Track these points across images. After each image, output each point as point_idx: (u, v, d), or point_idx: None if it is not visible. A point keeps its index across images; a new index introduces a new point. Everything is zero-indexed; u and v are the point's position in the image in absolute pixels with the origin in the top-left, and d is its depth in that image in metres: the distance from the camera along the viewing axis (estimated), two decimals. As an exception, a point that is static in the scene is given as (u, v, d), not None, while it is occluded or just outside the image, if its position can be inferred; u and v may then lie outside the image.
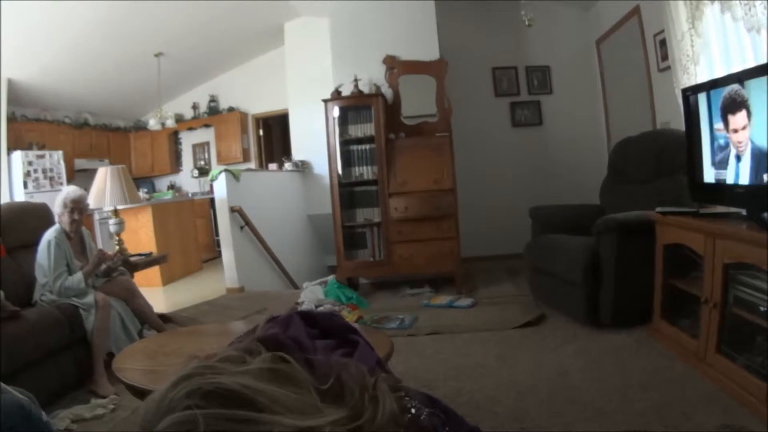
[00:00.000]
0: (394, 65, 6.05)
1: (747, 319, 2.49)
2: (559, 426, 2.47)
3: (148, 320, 4.00)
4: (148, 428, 0.64)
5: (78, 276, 3.54)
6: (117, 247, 4.80)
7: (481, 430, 1.00)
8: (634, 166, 4.48)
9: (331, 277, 5.64)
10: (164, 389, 0.68)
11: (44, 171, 7.83)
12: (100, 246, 5.33)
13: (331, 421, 0.68)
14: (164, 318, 4.36)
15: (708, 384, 2.68)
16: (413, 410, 0.84)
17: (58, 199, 3.72)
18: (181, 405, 0.64)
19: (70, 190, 3.77)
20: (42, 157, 7.86)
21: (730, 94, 2.68)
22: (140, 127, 10.54)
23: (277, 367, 0.73)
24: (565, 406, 2.66)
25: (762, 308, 2.38)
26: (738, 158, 2.68)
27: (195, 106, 10.41)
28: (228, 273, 5.94)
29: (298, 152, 8.03)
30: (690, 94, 3.14)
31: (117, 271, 4.08)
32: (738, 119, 2.65)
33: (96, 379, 3.35)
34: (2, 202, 5.57)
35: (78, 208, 3.74)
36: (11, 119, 7.76)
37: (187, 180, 10.75)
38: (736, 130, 2.68)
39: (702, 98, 3.00)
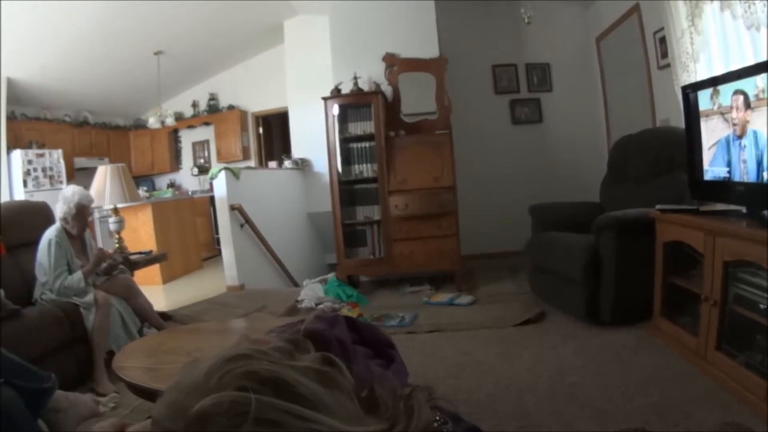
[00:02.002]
0: (393, 63, 6.04)
1: (747, 316, 2.49)
2: (559, 424, 2.47)
3: (148, 318, 4.01)
4: (187, 400, 0.61)
5: (78, 275, 3.53)
6: (117, 245, 4.79)
7: None
8: (633, 163, 4.48)
9: (331, 275, 5.64)
10: (216, 362, 0.65)
11: (44, 170, 7.83)
12: (100, 244, 5.33)
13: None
14: (164, 316, 4.36)
15: (708, 382, 2.68)
16: (435, 423, 0.84)
17: (69, 203, 3.66)
18: (234, 384, 0.61)
19: (81, 196, 3.71)
20: (42, 155, 7.87)
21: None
22: (140, 126, 10.55)
23: (324, 370, 0.70)
24: (565, 404, 2.66)
25: (762, 306, 2.38)
26: (737, 138, 2.66)
27: (195, 104, 10.41)
28: (228, 271, 5.94)
29: (297, 150, 8.03)
30: (690, 91, 3.13)
31: (117, 270, 4.09)
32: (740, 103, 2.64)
33: (96, 377, 3.35)
34: (2, 201, 5.58)
35: (86, 213, 3.76)
36: (11, 118, 7.77)
37: (186, 178, 10.76)
38: (738, 110, 2.67)
39: (702, 95, 3.00)
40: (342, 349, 0.92)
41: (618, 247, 3.61)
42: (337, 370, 0.71)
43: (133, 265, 4.62)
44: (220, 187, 5.91)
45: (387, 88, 6.00)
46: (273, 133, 11.02)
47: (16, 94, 7.61)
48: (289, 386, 0.63)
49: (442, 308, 4.76)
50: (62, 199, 3.70)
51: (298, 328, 0.94)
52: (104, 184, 4.75)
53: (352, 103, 5.77)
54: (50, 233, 3.58)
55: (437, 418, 0.84)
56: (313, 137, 7.17)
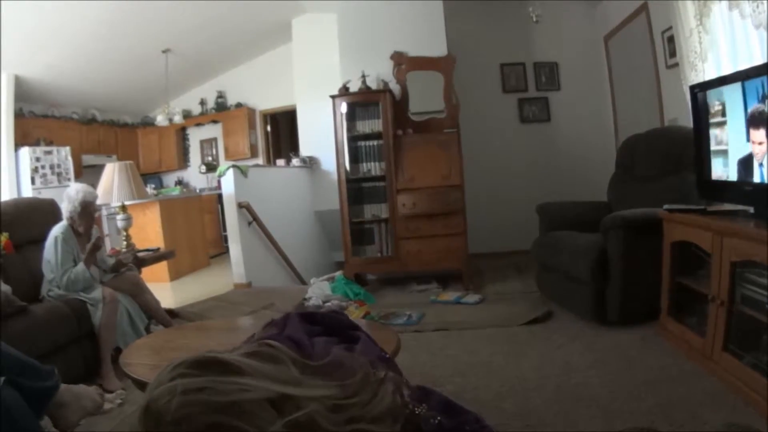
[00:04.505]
0: (401, 61, 6.04)
1: (754, 317, 2.47)
2: (565, 423, 2.47)
3: (155, 315, 4.02)
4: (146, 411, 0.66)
5: (80, 267, 3.52)
6: (124, 243, 4.80)
7: None
8: (641, 162, 4.47)
9: (338, 273, 5.65)
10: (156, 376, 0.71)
11: (52, 167, 7.86)
12: (108, 242, 5.34)
13: (316, 395, 0.69)
14: (171, 313, 4.38)
15: (714, 382, 2.67)
16: (417, 410, 0.84)
17: (73, 202, 3.66)
18: (167, 378, 0.67)
19: (85, 193, 3.71)
20: (50, 153, 7.89)
21: (754, 111, 2.58)
22: (148, 123, 10.58)
23: (259, 350, 0.75)
24: (571, 404, 2.66)
25: (769, 306, 2.37)
26: (761, 165, 2.61)
27: (203, 102, 10.43)
28: (235, 268, 5.96)
29: (305, 148, 8.04)
30: (698, 90, 3.12)
31: (125, 267, 4.10)
32: (759, 135, 2.57)
33: (103, 373, 3.37)
34: (10, 198, 5.61)
35: (91, 210, 3.76)
36: (19, 115, 7.80)
37: (194, 176, 10.78)
38: (754, 143, 2.63)
39: (710, 95, 2.98)
40: (297, 346, 0.94)
41: (625, 246, 3.60)
42: (273, 348, 0.76)
43: (141, 262, 4.64)
44: (228, 184, 5.93)
45: (395, 87, 6.00)
46: (281, 131, 11.03)
47: (24, 91, 7.64)
48: (221, 362, 0.69)
49: (449, 307, 4.76)
50: (67, 198, 3.71)
51: (252, 341, 0.97)
52: (112, 181, 4.76)
53: (360, 102, 5.77)
54: (57, 230, 3.59)
55: (418, 406, 0.85)
56: (321, 135, 7.17)
